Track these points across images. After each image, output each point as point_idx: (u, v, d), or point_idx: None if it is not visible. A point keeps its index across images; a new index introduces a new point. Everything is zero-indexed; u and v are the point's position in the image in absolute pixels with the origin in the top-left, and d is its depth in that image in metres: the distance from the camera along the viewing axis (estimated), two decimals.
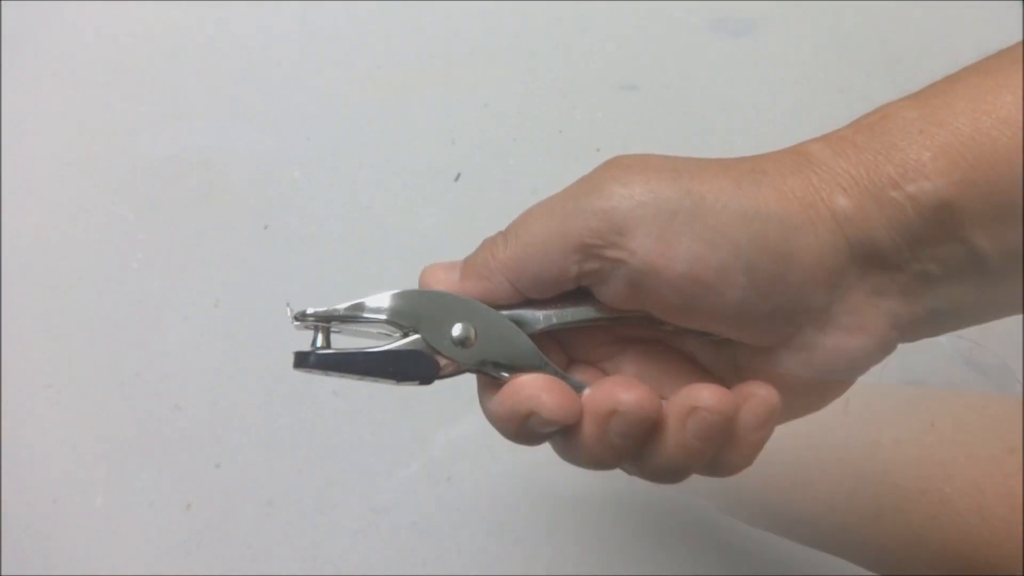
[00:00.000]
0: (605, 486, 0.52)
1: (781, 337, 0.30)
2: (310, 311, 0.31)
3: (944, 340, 0.36)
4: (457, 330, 0.30)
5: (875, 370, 0.35)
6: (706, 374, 0.32)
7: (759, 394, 0.30)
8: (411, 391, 0.31)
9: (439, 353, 0.30)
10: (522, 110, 0.57)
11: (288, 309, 0.31)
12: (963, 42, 0.57)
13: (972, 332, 0.54)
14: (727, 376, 0.32)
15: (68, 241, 0.55)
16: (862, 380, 0.34)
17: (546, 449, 0.32)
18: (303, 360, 0.32)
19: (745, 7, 0.57)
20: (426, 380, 0.30)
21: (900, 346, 0.33)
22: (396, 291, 0.30)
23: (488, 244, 0.31)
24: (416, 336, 0.30)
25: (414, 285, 0.32)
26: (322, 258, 0.55)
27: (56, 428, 0.53)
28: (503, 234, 0.30)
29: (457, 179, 0.56)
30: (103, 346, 0.54)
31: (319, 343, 0.32)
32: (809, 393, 0.31)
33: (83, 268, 0.55)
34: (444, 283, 0.31)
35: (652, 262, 0.28)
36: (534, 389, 0.29)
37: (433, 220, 0.56)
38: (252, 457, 0.53)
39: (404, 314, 0.30)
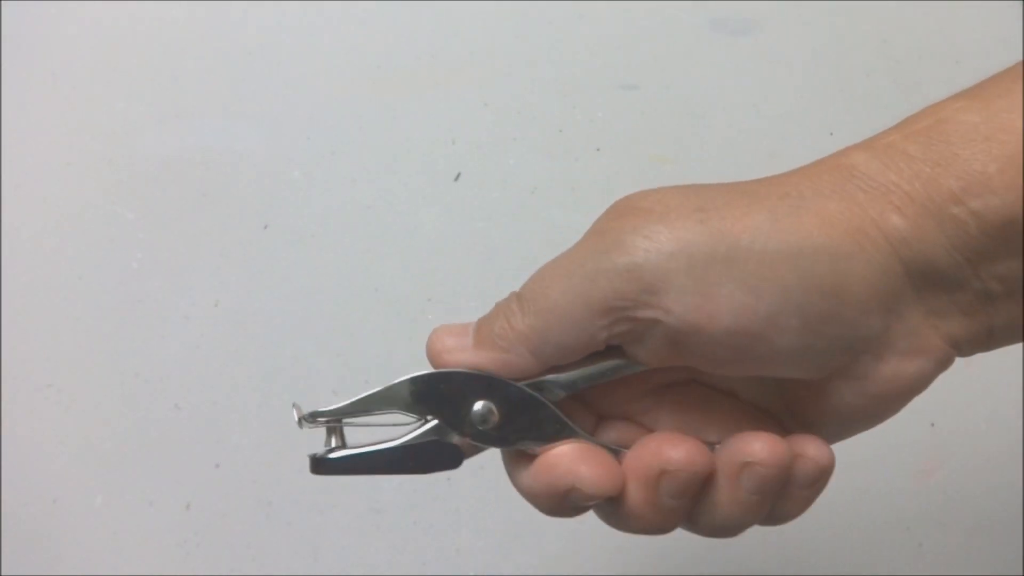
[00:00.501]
0: None
1: (835, 368, 0.27)
2: (321, 412, 0.29)
3: None
4: (477, 409, 0.28)
5: None
6: (753, 412, 0.30)
7: (810, 455, 0.27)
8: None
9: (462, 436, 0.28)
10: (522, 110, 0.57)
11: (295, 411, 0.29)
12: (963, 42, 0.57)
13: None
14: (776, 410, 0.30)
15: (68, 241, 0.55)
16: None
17: None
18: (321, 465, 0.29)
19: (745, 7, 0.57)
20: (454, 466, 0.29)
21: None
22: (407, 378, 0.28)
23: (502, 311, 0.28)
24: (434, 423, 0.29)
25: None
26: (322, 258, 0.55)
27: (56, 428, 0.53)
28: (518, 300, 0.28)
29: (457, 179, 0.56)
30: (103, 346, 0.54)
31: (333, 442, 0.29)
32: (865, 417, 0.29)
33: (83, 268, 0.55)
34: (455, 351, 0.28)
35: (692, 319, 0.26)
36: (570, 463, 0.27)
37: (433, 220, 0.55)
38: (252, 457, 0.53)
39: (418, 403, 0.28)
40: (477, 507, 0.53)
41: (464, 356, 0.28)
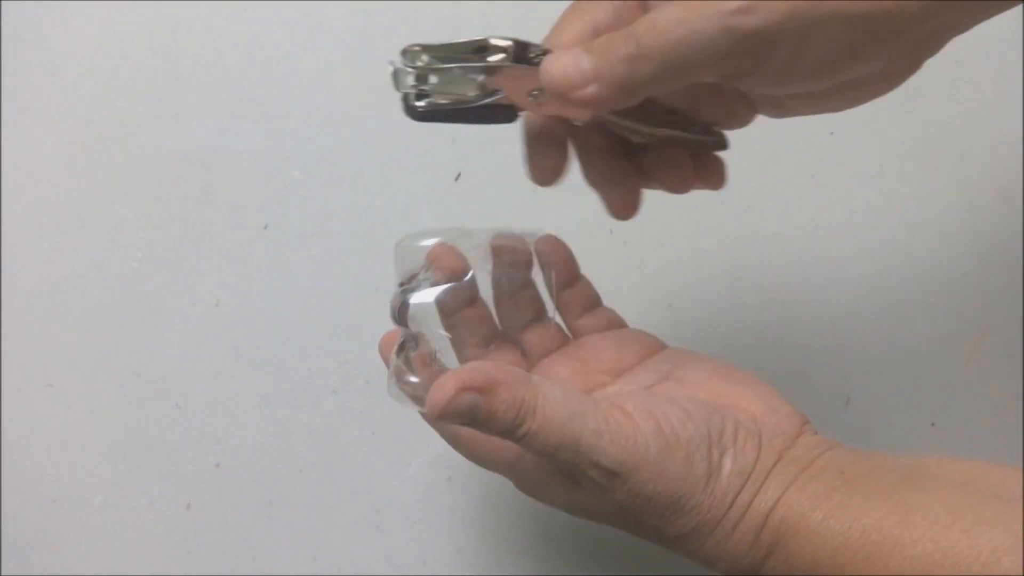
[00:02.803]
0: None
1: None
2: (424, 57, 0.34)
3: None
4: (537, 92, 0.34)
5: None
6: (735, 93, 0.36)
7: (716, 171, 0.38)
8: None
9: (518, 105, 0.35)
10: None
11: (391, 65, 0.35)
12: (963, 42, 0.57)
13: (974, 326, 0.54)
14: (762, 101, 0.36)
15: (68, 241, 0.55)
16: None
17: None
18: (412, 112, 0.35)
19: None
20: (511, 120, 0.36)
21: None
22: (503, 66, 0.34)
23: (621, 53, 0.31)
24: (502, 95, 0.34)
25: None
26: (322, 258, 0.55)
27: (56, 428, 0.53)
28: (637, 45, 0.31)
29: (457, 179, 0.56)
30: (103, 346, 0.54)
31: (415, 88, 0.35)
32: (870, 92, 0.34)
33: (83, 268, 0.55)
34: (577, 87, 0.32)
35: (782, 69, 0.31)
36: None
37: (433, 220, 0.55)
38: (252, 457, 0.53)
39: (497, 82, 0.34)
40: (477, 507, 0.53)
41: (586, 92, 0.32)
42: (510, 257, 0.39)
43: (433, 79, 0.34)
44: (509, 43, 0.34)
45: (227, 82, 0.57)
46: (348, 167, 0.56)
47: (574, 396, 0.33)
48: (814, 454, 0.33)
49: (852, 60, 0.31)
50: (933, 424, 0.54)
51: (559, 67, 0.32)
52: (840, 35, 0.30)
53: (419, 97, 0.34)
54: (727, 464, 0.33)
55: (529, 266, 0.39)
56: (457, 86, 0.34)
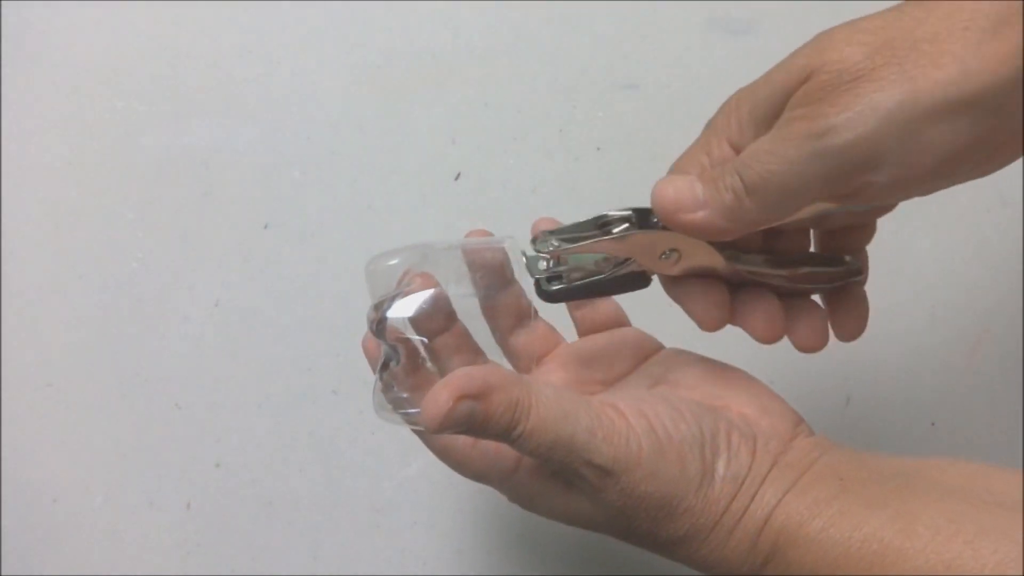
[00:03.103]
0: None
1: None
2: (554, 242, 0.36)
3: None
4: (668, 251, 0.35)
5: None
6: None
7: (851, 324, 0.37)
8: None
9: (649, 269, 0.36)
10: (522, 110, 0.57)
11: (523, 255, 0.37)
12: None
13: (977, 330, 0.54)
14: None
15: (68, 241, 0.55)
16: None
17: None
18: (548, 295, 0.37)
19: (745, 6, 0.57)
20: (645, 286, 0.37)
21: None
22: (632, 233, 0.35)
23: (728, 186, 0.32)
24: (633, 263, 0.36)
25: None
26: (322, 258, 0.55)
27: (56, 428, 0.53)
28: (742, 180, 0.31)
29: (457, 179, 0.56)
30: (103, 346, 0.54)
31: (550, 271, 0.36)
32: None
33: (83, 268, 0.55)
34: (687, 210, 0.33)
35: (900, 172, 0.30)
36: (693, 302, 0.36)
37: (433, 220, 0.56)
38: (252, 457, 0.53)
39: (626, 244, 0.35)
40: (477, 507, 0.53)
41: (695, 217, 0.33)
42: (485, 264, 0.39)
43: (564, 260, 0.36)
44: (629, 212, 0.35)
45: (227, 82, 0.57)
46: (348, 167, 0.56)
47: (567, 395, 0.33)
48: (811, 458, 0.33)
49: (980, 144, 0.30)
50: (933, 424, 0.54)
51: (672, 190, 0.33)
52: (958, 127, 0.29)
53: (551, 279, 0.36)
54: (720, 468, 0.32)
55: (505, 270, 0.39)
56: (586, 264, 0.36)
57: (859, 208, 0.36)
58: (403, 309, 0.36)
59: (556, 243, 0.35)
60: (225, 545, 0.52)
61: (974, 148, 0.29)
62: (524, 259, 0.36)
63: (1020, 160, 0.56)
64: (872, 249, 0.38)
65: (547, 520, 0.36)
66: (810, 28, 0.32)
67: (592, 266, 0.36)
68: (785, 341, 0.37)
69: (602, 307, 0.41)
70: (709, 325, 0.36)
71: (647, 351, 0.40)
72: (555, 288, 0.36)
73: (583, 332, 0.42)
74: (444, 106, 0.57)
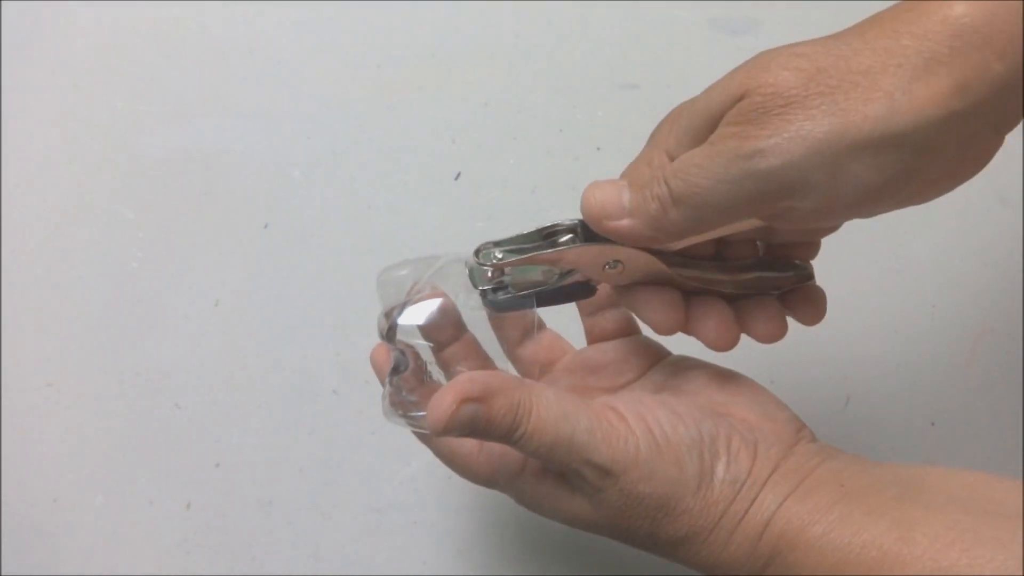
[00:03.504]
0: None
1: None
2: (496, 253, 0.36)
3: None
4: (611, 263, 0.35)
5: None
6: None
7: (809, 311, 0.37)
8: None
9: (594, 279, 0.36)
10: (522, 110, 0.57)
11: (466, 266, 0.37)
12: None
13: (975, 332, 0.54)
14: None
15: (68, 241, 0.55)
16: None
17: None
18: (494, 304, 0.37)
19: (745, 6, 0.57)
20: (591, 295, 0.38)
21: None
22: (570, 247, 0.35)
23: (655, 196, 0.32)
24: (578, 275, 0.36)
25: None
26: (322, 258, 0.55)
27: (56, 428, 0.53)
28: (669, 190, 0.32)
29: (457, 179, 0.56)
30: (103, 346, 0.54)
31: (493, 281, 0.37)
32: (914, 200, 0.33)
33: (83, 268, 0.55)
34: (613, 219, 0.33)
35: (820, 202, 0.30)
36: (650, 311, 0.36)
37: (433, 220, 0.56)
38: (252, 457, 0.53)
39: (570, 262, 0.36)
40: (477, 507, 0.53)
41: (621, 224, 0.33)
42: None
43: (508, 271, 0.36)
44: (576, 222, 0.36)
45: (227, 82, 0.57)
46: (348, 167, 0.56)
47: (567, 397, 0.33)
48: (812, 463, 0.33)
49: (907, 179, 0.30)
50: (933, 424, 0.53)
51: (599, 195, 0.33)
52: (881, 162, 0.29)
53: (496, 290, 0.37)
54: (720, 471, 0.33)
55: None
56: (532, 274, 0.36)
57: (789, 228, 0.36)
58: (413, 316, 0.37)
59: (500, 255, 0.36)
60: (225, 545, 0.52)
61: (900, 182, 0.30)
62: (466, 268, 0.37)
63: (1020, 160, 0.56)
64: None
65: (547, 520, 0.36)
66: (810, 28, 0.32)
67: (539, 276, 0.37)
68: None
69: (611, 315, 0.41)
70: (663, 328, 0.36)
71: (653, 358, 0.40)
72: (501, 298, 0.36)
73: (592, 340, 0.42)
74: (444, 106, 0.57)
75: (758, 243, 0.39)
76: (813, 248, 0.39)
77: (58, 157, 0.56)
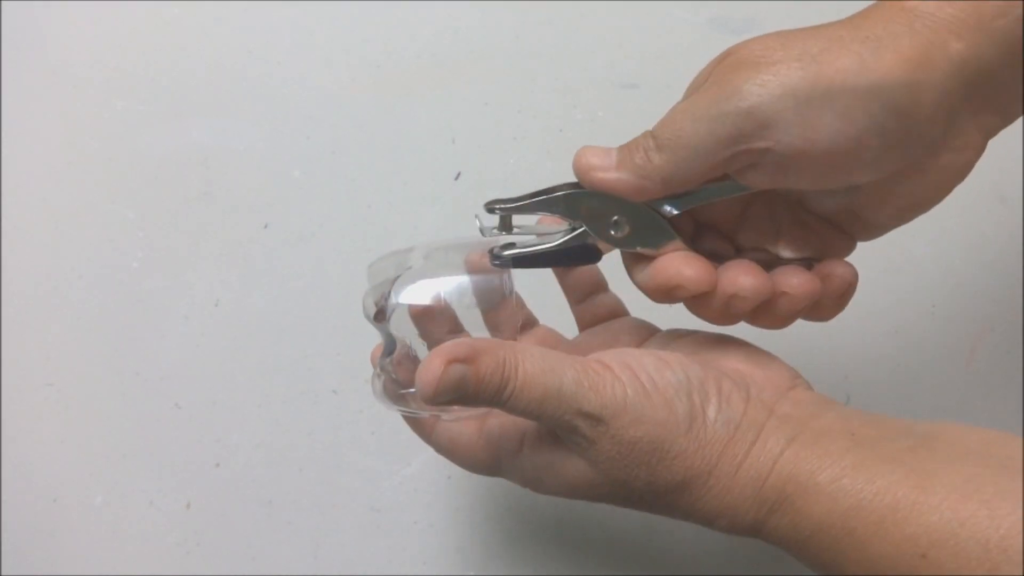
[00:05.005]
0: None
1: (903, 167, 0.33)
2: (500, 201, 0.37)
3: None
4: (614, 220, 0.36)
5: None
6: (820, 223, 0.37)
7: (838, 273, 0.36)
8: None
9: (600, 239, 0.37)
10: (522, 109, 0.57)
11: (477, 220, 0.38)
12: None
13: (977, 328, 0.54)
14: (841, 219, 0.37)
15: (68, 241, 0.55)
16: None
17: None
18: (498, 259, 0.37)
19: (744, 6, 0.57)
20: (595, 261, 0.37)
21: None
22: (565, 193, 0.36)
23: (640, 146, 0.35)
24: (582, 229, 0.36)
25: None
26: (322, 258, 0.55)
27: (56, 428, 0.53)
28: (654, 139, 0.34)
29: (457, 178, 0.56)
30: (103, 346, 0.54)
31: (503, 237, 0.38)
32: (922, 202, 0.35)
33: (83, 268, 0.55)
34: (599, 170, 0.35)
35: (797, 145, 0.32)
36: (678, 266, 0.35)
37: (433, 220, 0.56)
38: (252, 457, 0.53)
39: (571, 211, 0.36)
40: (477, 507, 0.53)
41: (607, 176, 0.35)
42: (486, 268, 0.40)
43: (517, 229, 0.38)
44: (573, 183, 0.37)
45: (227, 82, 0.57)
46: (348, 167, 0.56)
47: (551, 352, 0.33)
48: (813, 410, 0.33)
49: (880, 137, 0.32)
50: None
51: (588, 153, 0.35)
52: (852, 112, 0.32)
53: (504, 247, 0.37)
54: (711, 412, 0.33)
55: (503, 289, 0.40)
56: (542, 233, 0.38)
57: (768, 182, 0.36)
58: (401, 294, 0.38)
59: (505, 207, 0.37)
60: (225, 545, 0.52)
61: (872, 138, 0.32)
62: (478, 223, 0.38)
63: (1020, 160, 0.56)
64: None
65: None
66: None
67: (543, 233, 0.38)
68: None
69: (600, 300, 0.42)
70: (694, 283, 0.36)
71: (644, 335, 0.40)
72: (506, 254, 0.37)
73: (583, 326, 0.42)
74: (444, 106, 0.57)
75: (782, 254, 0.38)
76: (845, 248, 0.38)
77: (58, 157, 0.56)
